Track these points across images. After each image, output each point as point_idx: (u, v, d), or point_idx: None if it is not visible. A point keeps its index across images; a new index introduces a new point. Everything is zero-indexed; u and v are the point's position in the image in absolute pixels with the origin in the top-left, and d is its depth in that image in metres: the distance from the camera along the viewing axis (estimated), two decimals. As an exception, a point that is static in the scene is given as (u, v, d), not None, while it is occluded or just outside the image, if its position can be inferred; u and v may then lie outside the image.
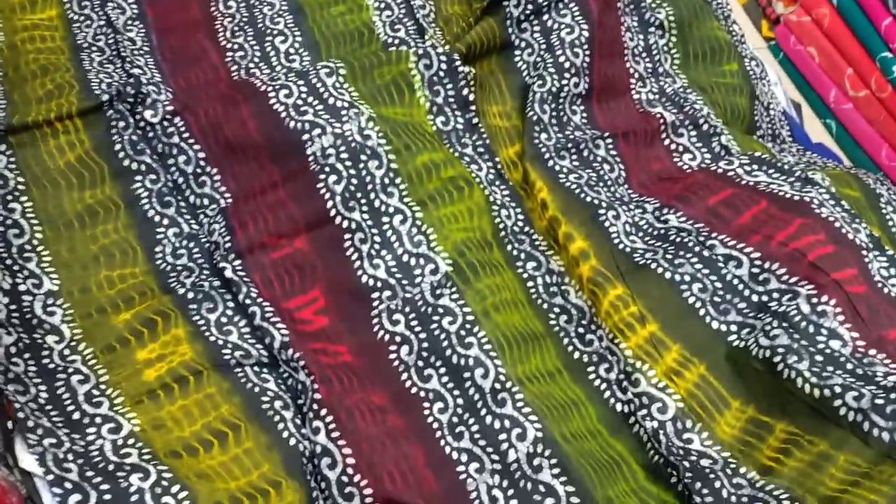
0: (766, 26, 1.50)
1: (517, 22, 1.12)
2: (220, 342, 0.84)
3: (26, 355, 0.80)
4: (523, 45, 1.12)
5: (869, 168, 1.34)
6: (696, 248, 0.93)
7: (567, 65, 1.07)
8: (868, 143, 1.34)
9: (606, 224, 0.96)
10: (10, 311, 0.82)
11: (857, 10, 1.31)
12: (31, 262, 0.87)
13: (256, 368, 0.83)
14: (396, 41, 1.11)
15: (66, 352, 0.82)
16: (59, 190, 0.93)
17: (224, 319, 0.86)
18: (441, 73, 1.04)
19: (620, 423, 0.85)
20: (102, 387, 0.80)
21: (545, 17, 1.12)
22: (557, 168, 1.01)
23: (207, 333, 0.84)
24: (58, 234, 0.90)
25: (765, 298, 0.88)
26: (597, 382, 0.88)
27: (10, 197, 0.90)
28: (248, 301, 0.87)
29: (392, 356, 0.86)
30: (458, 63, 1.04)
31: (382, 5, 1.14)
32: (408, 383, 0.85)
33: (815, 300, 0.85)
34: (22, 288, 0.85)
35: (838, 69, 1.36)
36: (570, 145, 1.04)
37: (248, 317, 0.86)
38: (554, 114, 1.06)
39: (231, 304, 0.87)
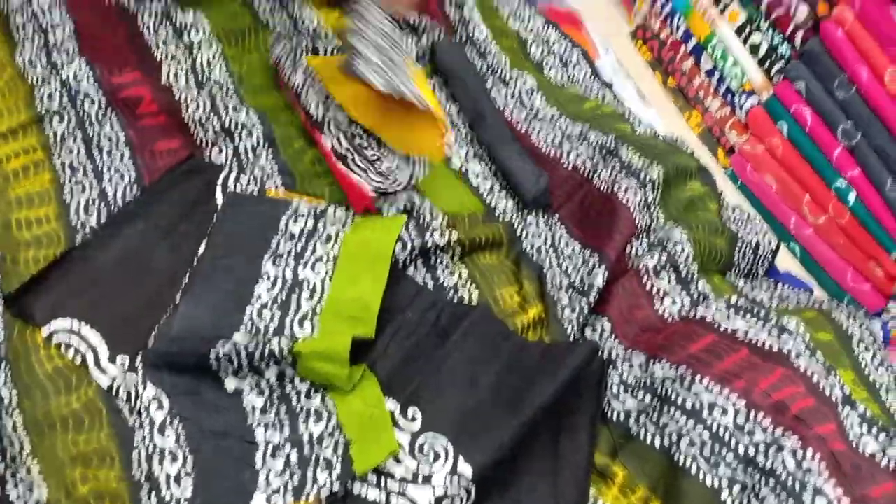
0: (721, 154, 1.56)
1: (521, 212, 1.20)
2: None
3: None
4: (531, 233, 1.18)
5: (835, 291, 1.38)
6: (680, 400, 0.94)
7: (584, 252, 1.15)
8: (832, 268, 1.38)
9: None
10: None
11: (807, 141, 1.37)
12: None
13: None
14: None
15: None
16: (47, 397, 0.93)
17: None
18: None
19: None
20: None
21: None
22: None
23: None
24: (42, 440, 0.91)
25: (751, 451, 0.90)
26: None
27: (4, 413, 0.91)
28: None
29: None
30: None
31: None
32: None
33: (799, 454, 0.87)
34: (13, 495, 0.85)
35: (796, 196, 1.41)
36: None
37: None
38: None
39: None
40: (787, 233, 1.44)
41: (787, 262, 1.42)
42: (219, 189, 1.14)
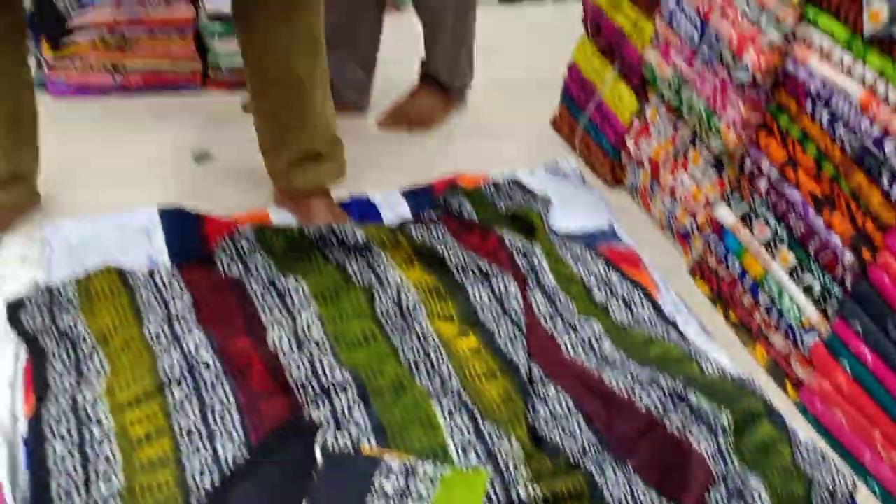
0: (790, 387, 1.61)
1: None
2: None
3: None
4: (609, 483, 1.25)
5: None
6: None
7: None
8: (913, 506, 1.38)
9: None
10: None
11: (871, 379, 1.42)
12: None
13: None
14: (468, 467, 1.23)
15: None
16: None
17: None
18: None
19: None
20: None
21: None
22: None
23: None
24: None
25: None
26: None
27: None
28: None
29: None
30: None
31: (454, 427, 1.28)
32: None
33: None
34: None
35: (868, 432, 1.44)
36: None
37: None
38: None
39: None
40: (864, 468, 1.45)
41: (867, 499, 1.42)
42: (318, 449, 1.24)
